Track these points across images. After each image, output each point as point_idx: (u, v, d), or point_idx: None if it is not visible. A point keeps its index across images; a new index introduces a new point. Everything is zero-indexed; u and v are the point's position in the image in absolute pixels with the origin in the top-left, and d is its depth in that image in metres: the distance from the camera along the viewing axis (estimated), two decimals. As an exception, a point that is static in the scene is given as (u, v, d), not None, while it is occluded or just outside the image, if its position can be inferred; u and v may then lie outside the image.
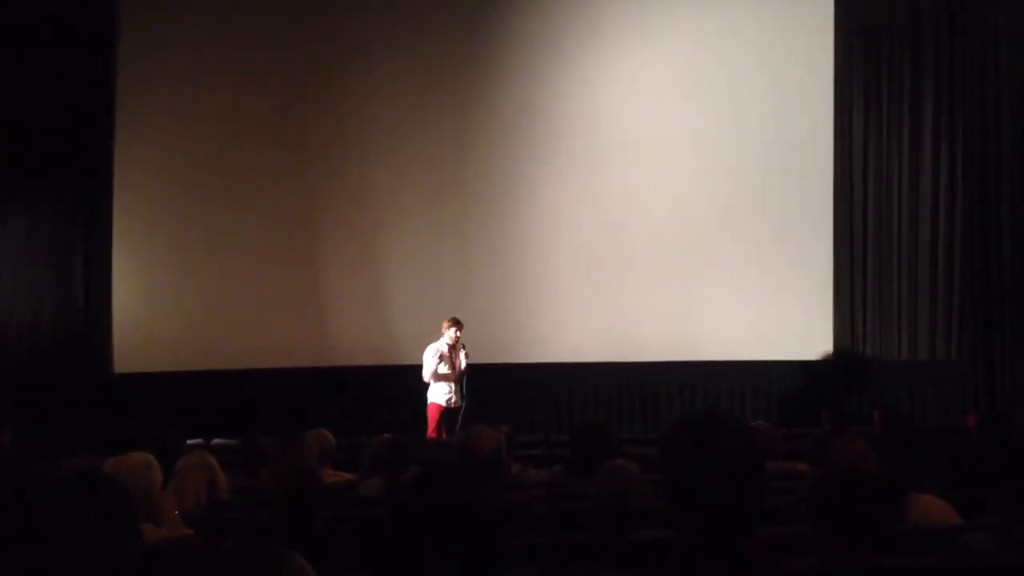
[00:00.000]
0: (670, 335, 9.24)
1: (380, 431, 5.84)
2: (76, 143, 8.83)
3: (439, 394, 8.10)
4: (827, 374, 9.24)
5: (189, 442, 5.76)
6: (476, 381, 8.24)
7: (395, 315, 9.29)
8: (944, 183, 9.23)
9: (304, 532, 3.06)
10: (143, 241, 9.13)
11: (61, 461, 4.09)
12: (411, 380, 8.19)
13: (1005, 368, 9.09)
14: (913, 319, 9.28)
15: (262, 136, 9.24)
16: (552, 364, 9.33)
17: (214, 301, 9.08)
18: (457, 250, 9.39)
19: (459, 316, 8.16)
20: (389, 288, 9.38)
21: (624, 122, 9.41)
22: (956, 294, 9.17)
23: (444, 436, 7.76)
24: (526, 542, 3.08)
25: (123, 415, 7.78)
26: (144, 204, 9.13)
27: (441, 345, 8.07)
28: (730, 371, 9.37)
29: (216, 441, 6.49)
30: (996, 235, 9.12)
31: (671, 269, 9.34)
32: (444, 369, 8.04)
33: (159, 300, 9.06)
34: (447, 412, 8.08)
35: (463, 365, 8.07)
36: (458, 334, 8.07)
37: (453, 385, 8.11)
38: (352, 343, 9.25)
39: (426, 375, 8.07)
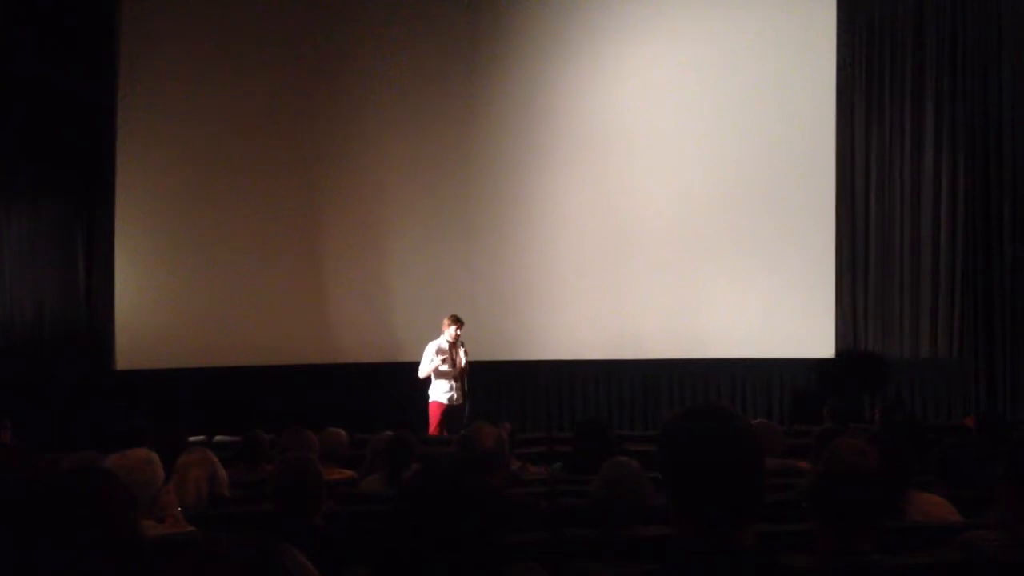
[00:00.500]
0: (672, 332, 9.24)
1: (382, 428, 5.85)
2: (78, 140, 8.84)
3: (440, 392, 8.10)
4: (829, 371, 9.25)
5: (191, 439, 5.76)
6: (477, 378, 8.26)
7: (397, 312, 9.30)
8: (946, 180, 9.23)
9: (305, 528, 3.06)
10: (145, 238, 9.13)
11: (63, 457, 4.10)
12: (413, 377, 8.20)
13: (1006, 365, 9.10)
14: (915, 316, 9.29)
15: (264, 133, 9.24)
16: (554, 361, 9.35)
17: (216, 298, 9.08)
18: (459, 247, 9.39)
19: (461, 313, 8.16)
20: (391, 285, 9.38)
21: (626, 119, 9.41)
22: (958, 292, 9.18)
23: (445, 434, 7.76)
24: (526, 538, 3.08)
25: (125, 411, 7.78)
26: (146, 201, 9.13)
27: (441, 342, 8.07)
28: (732, 368, 9.38)
29: (218, 438, 6.50)
30: (998, 232, 9.12)
31: (673, 266, 9.34)
32: (444, 367, 8.04)
33: (161, 297, 9.06)
34: (448, 410, 8.08)
35: (463, 362, 8.08)
36: (458, 332, 8.06)
37: (454, 383, 8.11)
38: (354, 340, 9.26)
39: (422, 372, 8.07)
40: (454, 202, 9.42)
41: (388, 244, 9.41)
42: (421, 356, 8.12)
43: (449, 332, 8.06)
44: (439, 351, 8.03)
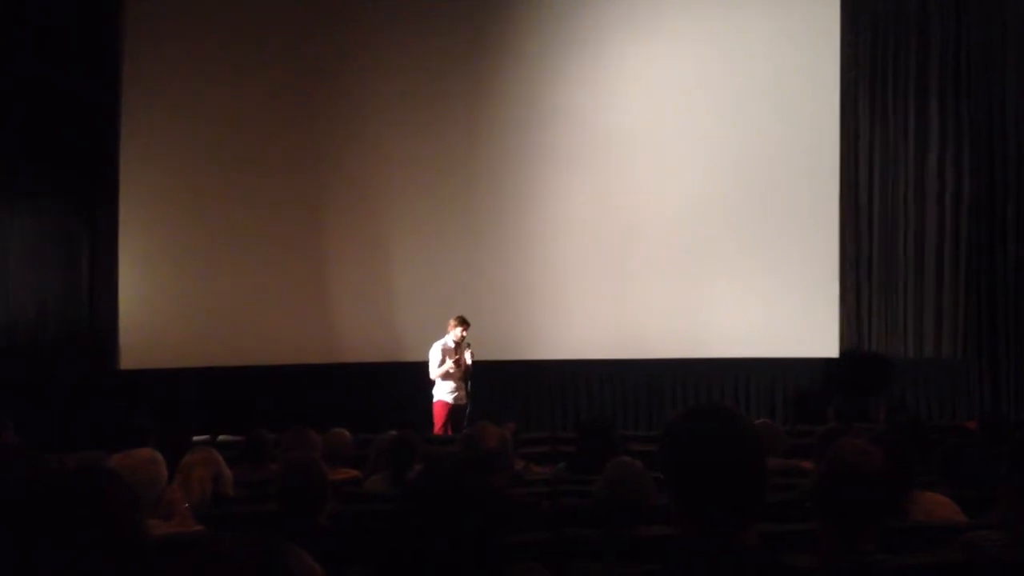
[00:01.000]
0: (676, 332, 9.24)
1: (385, 428, 5.85)
2: (81, 140, 8.85)
3: (445, 392, 8.11)
4: (833, 371, 9.24)
5: (195, 438, 5.77)
6: (481, 378, 8.26)
7: (400, 312, 9.30)
8: (950, 180, 9.22)
9: (309, 527, 3.07)
10: (149, 237, 9.14)
11: (67, 457, 4.11)
12: (416, 377, 8.20)
13: (1010, 365, 9.09)
14: (919, 316, 9.28)
15: (267, 133, 9.25)
16: (557, 361, 9.35)
17: (219, 297, 9.09)
18: (462, 247, 9.39)
19: (465, 313, 8.17)
20: (394, 285, 9.38)
21: (629, 118, 9.40)
22: (962, 292, 9.16)
23: (450, 433, 7.77)
24: (529, 538, 3.08)
25: (129, 411, 7.79)
26: (150, 200, 9.14)
27: (447, 342, 8.08)
28: (736, 368, 9.37)
29: (222, 437, 6.51)
30: (1002, 232, 9.11)
31: (677, 266, 9.33)
32: (450, 367, 8.05)
33: (164, 296, 9.07)
34: (454, 409, 8.09)
35: (469, 363, 8.09)
36: (464, 332, 8.07)
37: (459, 383, 8.12)
38: (358, 340, 9.26)
39: (433, 372, 8.08)
40: (457, 202, 9.42)
41: (391, 244, 9.41)
42: (425, 356, 8.13)
43: (455, 333, 8.06)
44: (446, 351, 8.05)
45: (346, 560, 2.21)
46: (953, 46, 9.22)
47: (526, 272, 9.39)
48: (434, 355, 8.08)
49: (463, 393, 8.15)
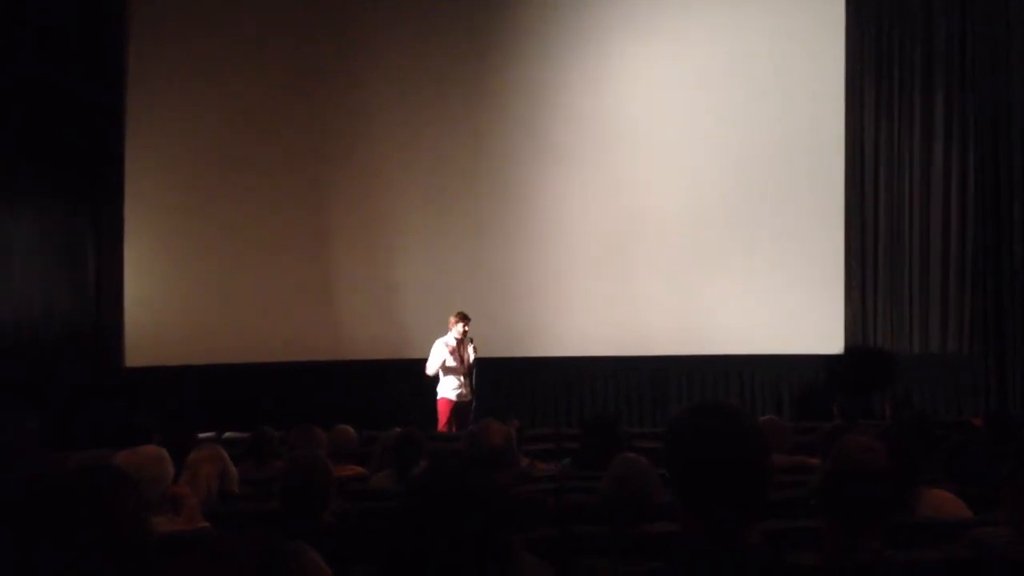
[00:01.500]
0: (681, 329, 9.23)
1: (390, 425, 5.86)
2: (87, 139, 8.87)
3: (448, 388, 8.11)
4: (838, 368, 9.22)
5: (201, 436, 5.78)
6: (485, 375, 8.26)
7: (404, 309, 9.31)
8: (956, 177, 9.19)
9: (314, 524, 3.07)
10: (154, 236, 9.16)
11: (73, 455, 4.12)
12: (421, 374, 8.21)
13: (1016, 362, 9.06)
14: (924, 313, 9.25)
15: (272, 131, 9.26)
16: (562, 358, 9.35)
17: (225, 295, 9.11)
18: (466, 244, 9.39)
19: (468, 310, 8.17)
20: (398, 282, 9.39)
21: (634, 115, 9.39)
22: (968, 288, 9.14)
23: (454, 430, 7.78)
24: (534, 535, 3.08)
25: (134, 409, 7.81)
26: (155, 199, 9.16)
27: (449, 340, 8.08)
28: (741, 365, 9.36)
29: (227, 434, 6.52)
30: (1008, 228, 9.08)
31: (681, 263, 9.33)
32: (452, 363, 8.05)
33: (170, 295, 9.10)
34: (457, 406, 8.09)
35: (471, 359, 8.10)
36: (466, 328, 8.08)
37: (462, 379, 8.13)
38: (362, 337, 9.27)
39: (430, 369, 8.08)
40: (462, 200, 9.42)
41: (396, 241, 9.41)
42: (429, 354, 8.13)
43: (457, 329, 8.07)
44: (448, 348, 8.05)
45: (351, 558, 2.21)
46: (958, 43, 9.19)
47: (530, 270, 9.39)
48: (434, 352, 8.08)
49: (467, 390, 8.15)
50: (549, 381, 9.45)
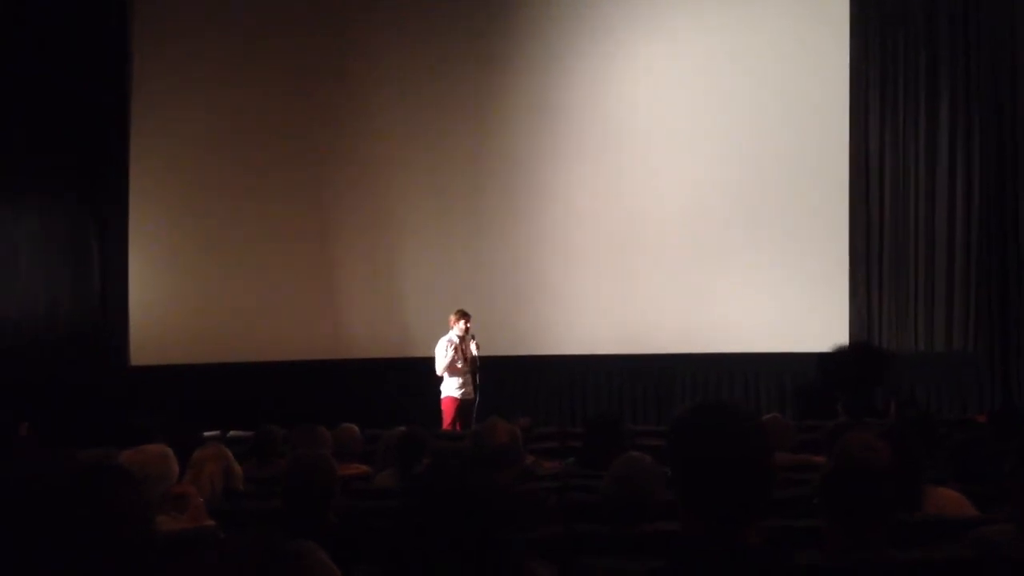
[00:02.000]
0: (685, 327, 9.22)
1: (393, 423, 5.86)
2: (91, 138, 8.88)
3: (452, 387, 8.11)
4: (842, 366, 9.20)
5: (205, 434, 5.79)
6: (490, 374, 8.27)
7: (408, 308, 9.32)
8: (960, 174, 9.17)
9: (317, 523, 3.07)
10: (158, 234, 9.18)
11: (77, 453, 4.13)
12: (424, 373, 8.22)
13: (1021, 359, 9.03)
14: (929, 311, 9.23)
15: (276, 130, 9.28)
16: (566, 356, 9.35)
17: (229, 294, 9.13)
18: (470, 242, 9.40)
19: (472, 309, 8.18)
20: (402, 281, 9.40)
21: (639, 113, 9.39)
22: (972, 285, 9.12)
23: (458, 429, 7.78)
24: (536, 534, 3.08)
25: (139, 407, 7.83)
26: (159, 197, 9.18)
27: (452, 337, 8.09)
28: (745, 363, 9.35)
29: (232, 433, 6.53)
30: (1012, 225, 9.05)
31: (686, 261, 9.32)
32: (458, 363, 8.06)
33: (174, 293, 9.11)
34: (462, 405, 8.09)
35: (475, 354, 8.10)
36: (467, 325, 8.09)
37: (466, 377, 8.13)
38: (366, 336, 9.29)
39: (439, 368, 8.09)
40: (466, 198, 9.43)
41: (399, 240, 9.42)
42: (433, 352, 8.14)
43: (459, 327, 8.08)
44: (452, 345, 8.05)
45: (354, 557, 2.21)
46: (963, 41, 9.16)
47: (535, 267, 9.39)
48: (439, 351, 8.08)
49: (471, 388, 8.16)
50: (554, 380, 9.45)
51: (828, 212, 9.29)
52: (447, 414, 8.09)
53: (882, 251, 9.36)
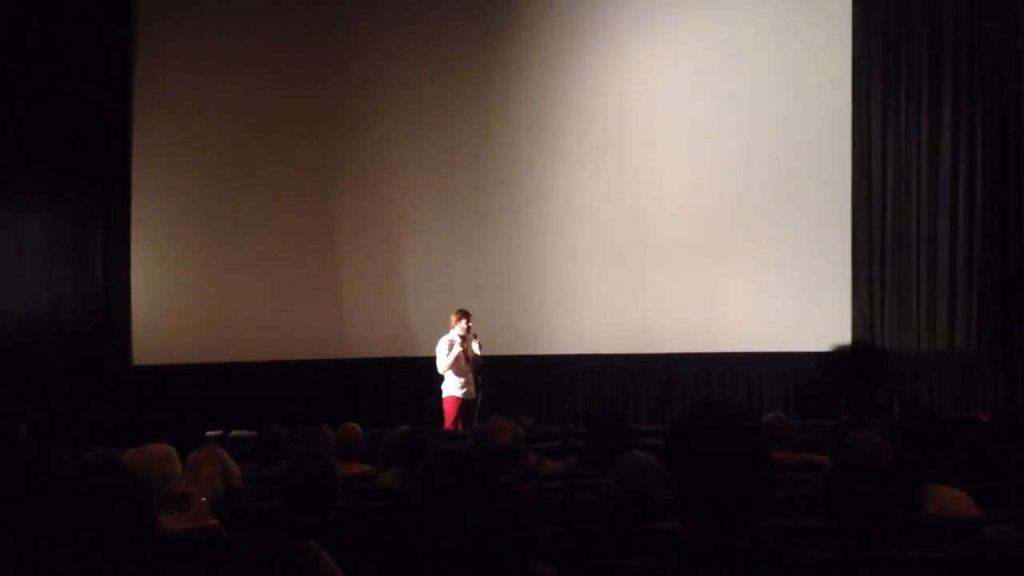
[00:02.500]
0: (687, 326, 9.22)
1: (396, 423, 5.86)
2: (93, 137, 8.87)
3: (455, 387, 8.11)
4: (845, 365, 9.19)
5: (209, 434, 5.80)
6: (493, 373, 8.27)
7: (411, 307, 9.33)
8: (963, 174, 9.15)
9: (317, 524, 3.08)
10: (161, 233, 9.18)
11: (80, 452, 4.13)
12: (427, 372, 8.22)
13: (1024, 359, 9.02)
14: (932, 310, 9.22)
15: (279, 129, 9.28)
16: (568, 356, 9.35)
17: (232, 294, 9.13)
18: (473, 242, 9.40)
19: (475, 308, 8.18)
20: (405, 280, 9.41)
21: (641, 113, 9.38)
22: (975, 285, 9.10)
23: (461, 428, 7.78)
24: (538, 534, 3.08)
25: (142, 407, 7.84)
26: (162, 197, 9.18)
27: (453, 337, 8.09)
28: (748, 362, 9.34)
29: (235, 432, 6.53)
30: (1016, 224, 9.04)
31: (688, 260, 9.31)
32: (458, 356, 8.05)
33: (178, 293, 9.11)
34: (464, 404, 8.09)
35: (477, 352, 8.10)
36: (468, 324, 8.09)
37: (468, 376, 8.13)
38: (369, 335, 9.30)
39: (441, 367, 8.09)
40: (469, 197, 9.43)
41: (402, 240, 9.43)
42: (435, 351, 8.14)
43: (460, 326, 8.08)
44: (453, 345, 8.06)
45: (356, 557, 2.22)
46: (966, 40, 9.14)
47: (537, 267, 9.39)
48: (440, 350, 8.08)
49: (472, 387, 8.16)
50: (557, 379, 9.45)
51: (830, 211, 9.28)
52: (449, 413, 8.09)
53: (884, 250, 9.34)
